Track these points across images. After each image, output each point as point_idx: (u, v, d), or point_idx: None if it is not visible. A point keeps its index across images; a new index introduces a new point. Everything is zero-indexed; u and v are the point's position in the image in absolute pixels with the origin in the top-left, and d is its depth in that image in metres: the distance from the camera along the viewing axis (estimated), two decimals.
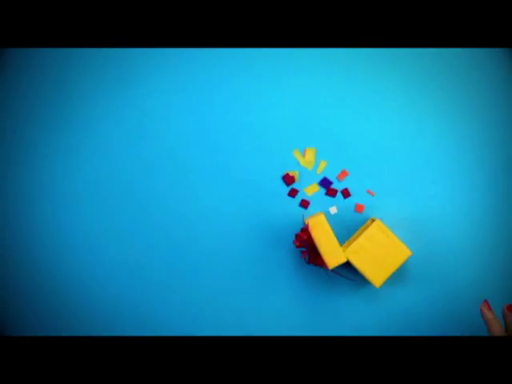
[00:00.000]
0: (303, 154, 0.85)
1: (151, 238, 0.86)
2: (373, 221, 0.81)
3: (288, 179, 0.84)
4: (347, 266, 0.84)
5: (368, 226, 0.81)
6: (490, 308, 0.74)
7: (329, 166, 0.85)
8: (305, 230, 0.81)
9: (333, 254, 0.78)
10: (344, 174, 0.84)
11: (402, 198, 0.85)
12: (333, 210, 0.84)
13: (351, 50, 0.85)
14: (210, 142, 0.85)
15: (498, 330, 0.72)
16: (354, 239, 0.80)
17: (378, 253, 0.79)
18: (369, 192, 0.84)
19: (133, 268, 0.86)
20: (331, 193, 0.84)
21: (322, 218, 0.79)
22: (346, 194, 0.84)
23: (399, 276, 0.85)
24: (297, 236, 0.81)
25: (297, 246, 0.82)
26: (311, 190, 0.85)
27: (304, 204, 0.84)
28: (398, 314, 0.85)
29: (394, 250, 0.79)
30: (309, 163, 0.83)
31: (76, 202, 0.86)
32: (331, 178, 0.85)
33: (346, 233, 0.85)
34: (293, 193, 0.85)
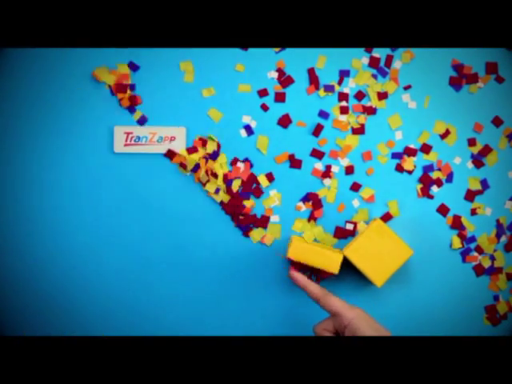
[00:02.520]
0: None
1: (151, 236, 0.86)
2: (375, 221, 0.81)
3: None
4: (350, 266, 0.84)
5: (369, 225, 0.81)
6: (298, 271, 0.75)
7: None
8: (293, 263, 0.81)
9: (328, 260, 0.78)
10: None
11: (404, 197, 0.85)
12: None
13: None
14: None
15: (316, 288, 0.72)
16: (356, 239, 0.80)
17: (379, 252, 0.79)
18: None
19: (132, 267, 0.86)
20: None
21: (295, 243, 0.79)
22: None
23: (400, 276, 0.85)
24: (292, 268, 0.82)
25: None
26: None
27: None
28: (399, 314, 0.85)
29: (396, 249, 0.79)
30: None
31: (76, 201, 0.86)
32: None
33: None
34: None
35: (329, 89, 0.85)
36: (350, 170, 0.85)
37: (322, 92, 0.85)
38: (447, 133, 0.85)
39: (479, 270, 0.85)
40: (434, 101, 0.85)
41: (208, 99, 0.85)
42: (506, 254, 0.85)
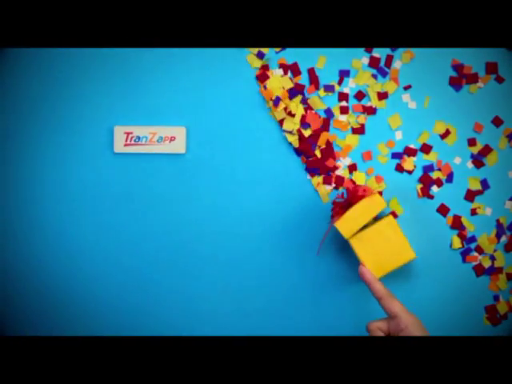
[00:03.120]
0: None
1: (151, 236, 0.86)
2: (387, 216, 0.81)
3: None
4: (349, 249, 0.83)
5: (380, 219, 0.81)
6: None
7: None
8: (366, 190, 0.80)
9: (350, 223, 0.78)
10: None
11: (404, 197, 0.85)
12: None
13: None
14: (209, 138, 0.86)
15: (381, 287, 0.73)
16: (356, 219, 0.79)
17: (382, 248, 0.79)
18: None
19: (133, 267, 0.86)
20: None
21: (381, 201, 0.78)
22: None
23: (401, 276, 0.85)
24: (355, 187, 0.81)
25: (343, 192, 0.81)
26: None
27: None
28: None
29: (399, 249, 0.79)
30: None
31: (76, 201, 0.86)
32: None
33: None
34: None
35: (329, 89, 0.85)
36: (350, 170, 0.85)
37: (322, 92, 0.85)
38: (447, 133, 0.85)
39: (479, 270, 0.85)
40: (434, 101, 0.85)
41: (208, 99, 0.85)
42: (506, 254, 0.85)
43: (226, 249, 0.86)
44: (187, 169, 0.85)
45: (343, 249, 0.85)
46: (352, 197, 0.80)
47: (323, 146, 0.84)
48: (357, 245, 0.79)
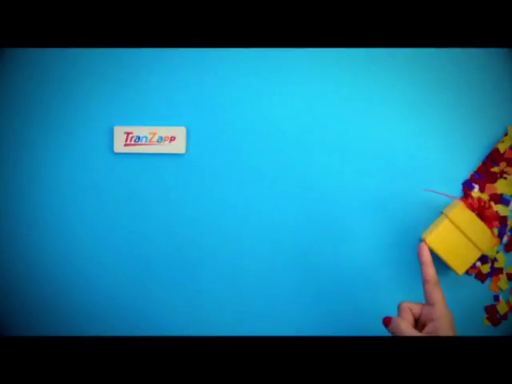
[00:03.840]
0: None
1: (151, 235, 0.86)
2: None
3: None
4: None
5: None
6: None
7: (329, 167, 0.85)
8: (490, 212, 0.81)
9: (464, 219, 0.79)
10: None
11: (399, 200, 0.85)
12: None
13: (355, 50, 0.85)
14: (219, 140, 0.86)
15: (433, 272, 0.73)
16: (468, 226, 0.79)
17: (459, 241, 0.80)
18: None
19: (133, 266, 0.86)
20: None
21: (488, 246, 0.80)
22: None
23: (400, 276, 0.85)
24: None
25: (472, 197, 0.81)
26: None
27: None
28: None
29: (465, 255, 0.81)
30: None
31: (75, 201, 0.86)
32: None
33: None
34: None
35: None
36: None
37: None
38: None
39: (481, 277, 0.85)
40: None
41: (208, 99, 0.85)
42: (507, 254, 0.85)
43: (226, 248, 0.86)
44: (187, 169, 0.85)
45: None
46: (487, 217, 0.80)
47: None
48: (446, 224, 0.79)
